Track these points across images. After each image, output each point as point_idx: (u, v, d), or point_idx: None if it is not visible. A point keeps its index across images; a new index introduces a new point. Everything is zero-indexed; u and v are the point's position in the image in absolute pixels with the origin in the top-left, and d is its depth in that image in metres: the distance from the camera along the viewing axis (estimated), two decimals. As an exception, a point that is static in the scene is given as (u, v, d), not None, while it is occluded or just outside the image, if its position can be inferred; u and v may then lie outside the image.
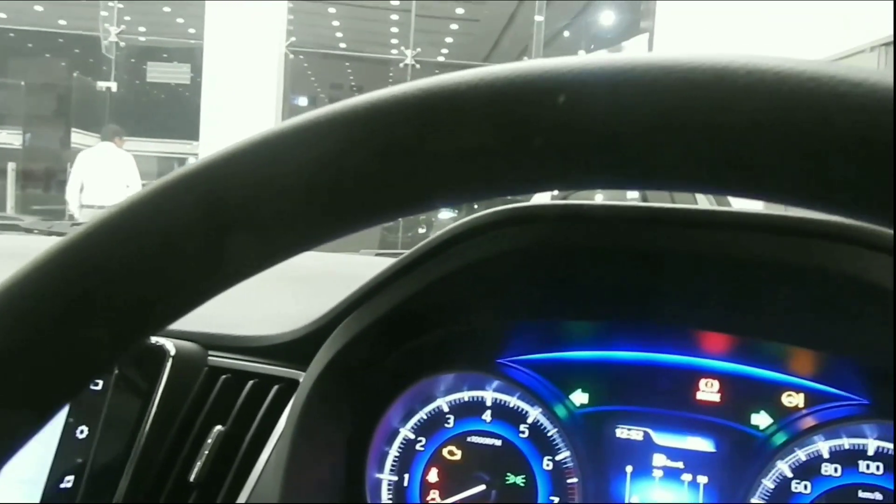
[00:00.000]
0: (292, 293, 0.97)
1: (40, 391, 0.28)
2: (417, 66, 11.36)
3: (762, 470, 0.67)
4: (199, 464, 0.70)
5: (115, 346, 0.29)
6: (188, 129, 11.02)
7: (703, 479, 0.70)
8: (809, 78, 0.22)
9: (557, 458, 0.72)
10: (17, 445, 0.29)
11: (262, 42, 10.42)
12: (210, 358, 0.78)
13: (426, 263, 0.65)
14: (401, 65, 11.63)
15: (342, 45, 13.62)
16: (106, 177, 6.21)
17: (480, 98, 0.25)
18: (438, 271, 0.64)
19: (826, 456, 0.66)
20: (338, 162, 0.26)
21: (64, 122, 12.48)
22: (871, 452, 0.65)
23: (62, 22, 12.79)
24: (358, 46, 13.49)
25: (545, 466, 0.73)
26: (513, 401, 0.74)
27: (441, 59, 12.88)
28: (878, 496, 0.65)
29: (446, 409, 0.76)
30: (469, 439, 0.75)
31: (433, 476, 0.75)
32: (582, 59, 0.25)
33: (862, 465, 0.65)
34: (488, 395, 0.75)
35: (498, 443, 0.74)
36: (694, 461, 0.70)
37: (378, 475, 0.76)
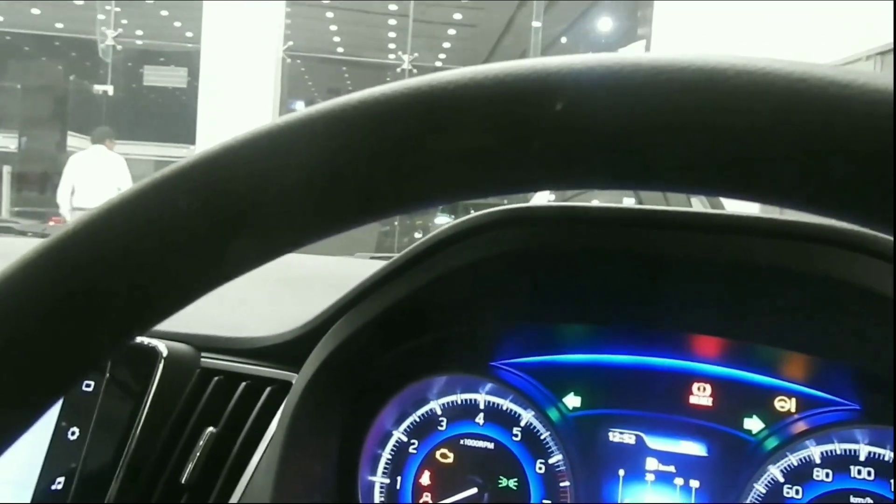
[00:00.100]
0: (286, 295, 0.97)
1: (27, 390, 0.28)
2: (415, 70, 11.38)
3: (754, 474, 0.67)
4: (190, 465, 0.70)
5: (105, 344, 0.29)
6: (185, 132, 11.01)
7: (695, 483, 0.70)
8: (799, 79, 0.22)
9: (550, 461, 0.72)
10: (5, 445, 0.28)
11: (259, 46, 10.43)
12: (203, 359, 0.78)
13: (419, 265, 0.65)
14: (398, 69, 11.65)
15: (340, 50, 13.63)
16: (97, 179, 6.20)
17: (477, 97, 0.25)
18: (431, 273, 0.64)
19: (818, 461, 0.66)
20: (332, 159, 0.26)
21: (60, 125, 12.47)
22: (862, 458, 0.65)
23: (59, 25, 12.78)
24: (355, 51, 13.50)
25: (538, 470, 0.73)
26: (506, 404, 0.74)
27: (439, 63, 12.90)
28: (869, 502, 0.65)
29: (439, 412, 0.76)
30: (462, 442, 0.75)
31: (426, 479, 0.75)
32: (578, 59, 0.25)
33: (853, 470, 0.65)
34: (481, 398, 0.75)
35: (490, 446, 0.74)
36: (686, 465, 0.70)
37: (370, 477, 0.76)
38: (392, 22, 12.50)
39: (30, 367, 0.27)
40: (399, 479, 0.76)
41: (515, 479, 0.73)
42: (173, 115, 12.33)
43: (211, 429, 0.72)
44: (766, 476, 0.67)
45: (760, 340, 0.66)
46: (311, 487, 0.70)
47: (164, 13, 12.64)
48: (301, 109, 0.27)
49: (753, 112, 0.22)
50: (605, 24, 13.40)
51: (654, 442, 0.71)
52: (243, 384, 0.75)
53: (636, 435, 0.72)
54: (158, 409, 0.73)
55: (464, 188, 0.27)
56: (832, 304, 0.58)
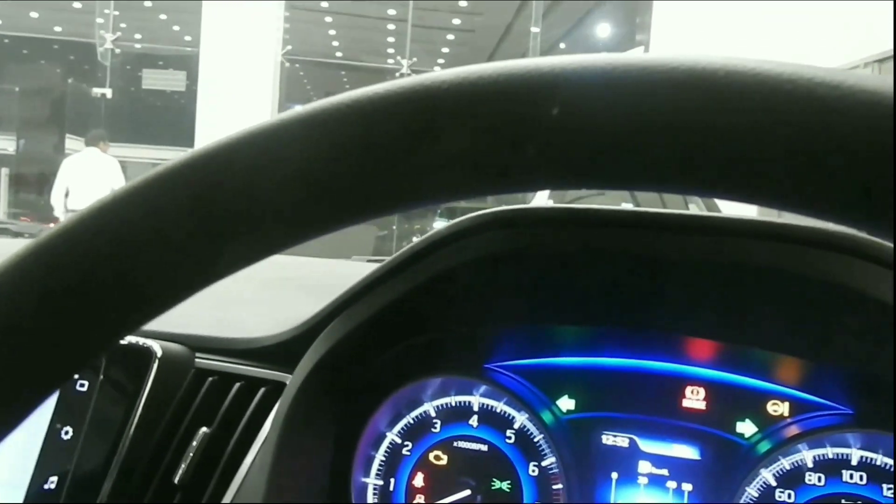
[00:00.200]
0: (281, 297, 0.97)
1: (18, 385, 0.28)
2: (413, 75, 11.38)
3: (746, 478, 0.67)
4: (183, 465, 0.70)
5: (96, 341, 0.29)
6: (183, 136, 11.02)
7: (687, 487, 0.70)
8: (788, 80, 0.22)
9: (543, 463, 0.72)
10: None
11: (258, 50, 10.44)
12: (197, 360, 0.78)
13: (414, 266, 0.65)
14: (397, 74, 11.66)
15: (338, 55, 13.64)
16: (91, 181, 6.20)
17: (460, 98, 0.25)
18: (425, 274, 0.64)
19: (810, 465, 0.66)
20: (327, 157, 0.26)
21: (58, 127, 12.46)
22: (854, 462, 0.65)
23: (58, 28, 12.78)
24: (354, 55, 13.52)
25: (531, 472, 0.73)
26: (500, 406, 0.74)
27: (437, 69, 12.90)
28: None
29: (433, 414, 0.76)
30: (455, 444, 0.75)
31: (419, 480, 0.75)
32: (566, 59, 0.25)
33: (846, 474, 0.65)
34: (475, 400, 0.75)
35: (484, 448, 0.74)
36: (679, 468, 0.70)
37: (364, 479, 0.75)
38: (391, 27, 12.52)
39: (20, 363, 0.27)
40: (392, 480, 0.76)
41: (508, 482, 0.73)
42: (172, 119, 12.34)
43: (204, 429, 0.72)
44: (758, 480, 0.67)
45: (756, 344, 0.66)
46: (303, 488, 0.70)
47: (163, 17, 12.66)
48: (297, 107, 0.28)
49: (742, 112, 0.22)
50: (603, 29, 13.43)
51: (647, 445, 0.71)
52: (237, 385, 0.75)
53: (629, 438, 0.72)
54: (152, 409, 0.73)
55: (461, 188, 0.27)
56: (828, 308, 0.58)
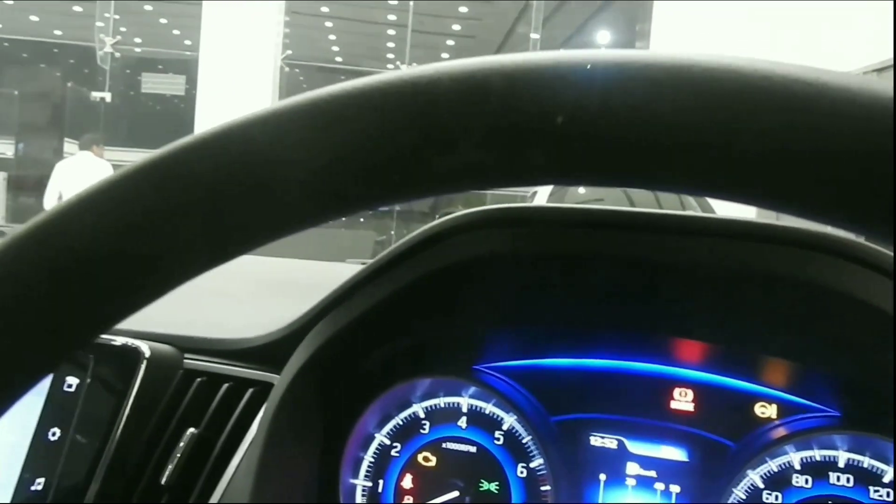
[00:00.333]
0: (271, 298, 0.97)
1: (5, 371, 0.28)
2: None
3: (734, 479, 0.67)
4: (170, 466, 0.69)
5: (86, 329, 0.29)
6: (182, 140, 11.00)
7: (675, 488, 0.70)
8: (763, 76, 0.22)
9: (532, 465, 0.72)
10: None
11: (257, 54, 10.45)
12: (185, 361, 0.78)
13: (401, 266, 0.65)
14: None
15: (338, 59, 13.67)
16: (84, 185, 6.18)
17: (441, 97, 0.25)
18: (413, 274, 0.64)
19: (797, 467, 0.66)
20: (328, 146, 0.26)
21: (57, 131, 12.46)
22: (841, 464, 0.65)
23: (57, 32, 12.81)
24: (354, 60, 13.55)
25: (519, 473, 0.73)
26: (488, 407, 0.74)
27: (436, 74, 12.91)
28: None
29: (422, 415, 0.76)
30: (444, 445, 0.75)
31: (407, 482, 0.75)
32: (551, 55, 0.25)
33: (833, 476, 0.65)
34: (464, 402, 0.75)
35: (473, 449, 0.74)
36: (667, 470, 0.70)
37: (352, 480, 0.75)
38: (391, 32, 12.54)
39: (10, 347, 0.27)
40: (381, 481, 0.76)
41: (497, 483, 0.73)
42: (171, 123, 12.35)
43: (192, 430, 0.72)
44: (745, 481, 0.67)
45: (747, 346, 0.67)
46: (291, 489, 0.69)
47: (163, 21, 12.68)
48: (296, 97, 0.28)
49: (720, 109, 0.22)
50: (603, 36, 13.45)
51: (635, 447, 0.71)
52: (225, 385, 0.75)
53: (617, 439, 0.72)
54: (140, 410, 0.73)
55: (460, 182, 0.27)
56: (821, 312, 0.58)
